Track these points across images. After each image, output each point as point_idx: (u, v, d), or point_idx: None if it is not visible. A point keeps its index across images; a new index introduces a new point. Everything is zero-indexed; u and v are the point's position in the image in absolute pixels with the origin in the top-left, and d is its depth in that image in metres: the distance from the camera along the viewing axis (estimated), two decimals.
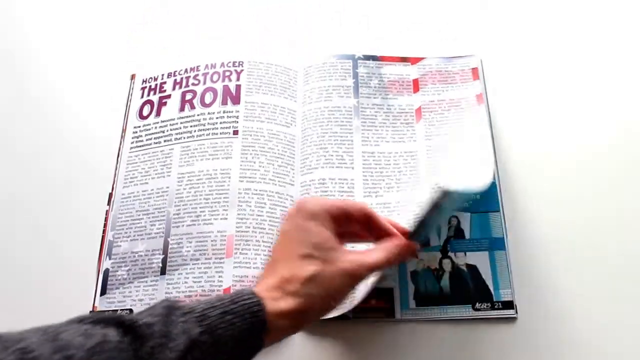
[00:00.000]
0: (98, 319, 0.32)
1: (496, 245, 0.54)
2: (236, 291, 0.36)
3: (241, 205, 0.56)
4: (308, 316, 0.38)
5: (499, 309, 0.51)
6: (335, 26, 0.69)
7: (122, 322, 0.32)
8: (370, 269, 0.40)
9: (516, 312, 0.50)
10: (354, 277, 0.39)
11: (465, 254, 0.54)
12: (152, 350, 0.31)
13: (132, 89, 0.66)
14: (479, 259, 0.53)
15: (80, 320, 0.32)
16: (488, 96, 0.61)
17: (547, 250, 0.53)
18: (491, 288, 0.52)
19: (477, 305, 0.51)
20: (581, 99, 0.61)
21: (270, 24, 0.70)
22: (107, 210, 0.58)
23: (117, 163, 0.61)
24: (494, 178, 0.57)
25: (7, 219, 0.60)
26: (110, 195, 0.59)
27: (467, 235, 0.54)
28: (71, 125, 0.65)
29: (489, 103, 0.61)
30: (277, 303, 0.36)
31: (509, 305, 0.51)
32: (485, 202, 0.56)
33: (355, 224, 0.43)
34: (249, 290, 0.37)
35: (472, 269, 0.53)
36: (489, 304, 0.51)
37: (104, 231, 0.58)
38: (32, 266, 0.57)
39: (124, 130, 0.63)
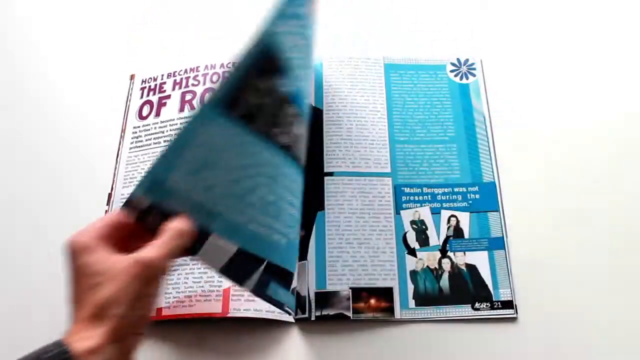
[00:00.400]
0: None
1: (495, 244, 0.54)
2: (43, 346, 0.34)
3: None
4: (125, 337, 0.36)
5: (498, 308, 0.51)
6: (335, 28, 0.69)
7: None
8: (155, 259, 0.38)
9: (516, 312, 0.50)
10: (142, 276, 0.37)
11: (464, 253, 0.54)
12: None
13: (132, 89, 0.66)
14: (479, 259, 0.53)
15: None
16: (488, 96, 0.62)
17: (547, 249, 0.53)
18: (490, 288, 0.52)
19: (477, 305, 0.51)
20: (582, 99, 0.61)
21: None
22: (106, 211, 0.58)
23: (116, 163, 0.61)
24: (494, 178, 0.57)
25: (7, 219, 0.60)
26: (110, 195, 0.59)
27: (466, 234, 0.55)
28: (71, 125, 0.64)
29: (489, 103, 0.61)
30: (86, 342, 0.34)
31: (509, 305, 0.51)
32: (485, 201, 0.56)
33: (135, 231, 0.41)
34: (56, 341, 0.34)
35: (472, 268, 0.53)
36: (488, 304, 0.51)
37: None
38: (32, 266, 0.57)
39: (123, 131, 0.63)
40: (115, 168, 0.61)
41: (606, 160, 0.57)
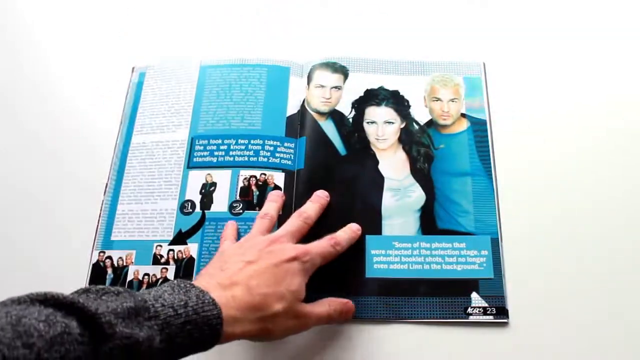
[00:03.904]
0: (59, 302, 0.32)
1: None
2: (199, 296, 0.38)
3: None
4: (260, 339, 0.44)
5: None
6: (332, 28, 0.69)
7: (84, 315, 0.32)
8: (316, 322, 0.46)
9: (508, 318, 0.50)
10: (304, 327, 0.45)
11: None
12: (111, 352, 0.32)
13: (132, 81, 0.66)
14: None
15: (42, 301, 0.32)
16: (489, 100, 0.61)
17: (541, 256, 0.53)
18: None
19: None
20: (583, 102, 0.61)
21: (273, 18, 0.70)
22: (102, 200, 0.58)
23: (113, 155, 0.61)
24: (493, 182, 0.56)
25: (7, 210, 0.60)
26: (106, 185, 0.59)
27: None
28: (70, 117, 0.65)
29: (490, 104, 0.61)
30: (238, 325, 0.39)
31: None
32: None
33: None
34: (211, 299, 0.38)
35: None
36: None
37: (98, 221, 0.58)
38: (26, 242, 0.57)
39: (121, 123, 0.63)
40: (112, 159, 0.61)
41: (606, 163, 0.56)
